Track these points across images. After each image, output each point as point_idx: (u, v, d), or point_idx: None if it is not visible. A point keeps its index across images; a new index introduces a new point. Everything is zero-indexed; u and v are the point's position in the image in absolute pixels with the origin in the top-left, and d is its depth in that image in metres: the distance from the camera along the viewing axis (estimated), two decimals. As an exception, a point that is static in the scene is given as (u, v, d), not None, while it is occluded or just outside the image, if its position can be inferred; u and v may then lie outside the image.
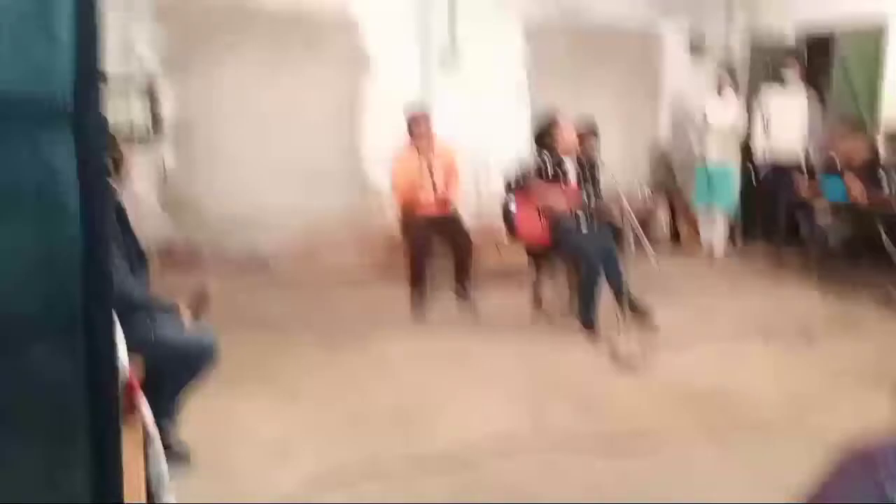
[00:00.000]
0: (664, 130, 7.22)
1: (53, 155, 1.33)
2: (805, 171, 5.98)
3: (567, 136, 4.46)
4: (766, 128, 6.24)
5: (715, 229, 6.47)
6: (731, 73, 6.31)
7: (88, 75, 1.37)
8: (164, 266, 5.27)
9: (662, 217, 6.95)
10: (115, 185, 2.63)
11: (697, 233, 6.70)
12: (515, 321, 4.67)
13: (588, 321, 4.30)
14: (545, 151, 4.52)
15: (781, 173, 6.08)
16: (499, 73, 6.34)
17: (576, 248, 4.30)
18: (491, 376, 3.75)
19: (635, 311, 4.33)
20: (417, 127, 4.93)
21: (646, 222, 6.88)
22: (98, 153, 1.40)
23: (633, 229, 4.12)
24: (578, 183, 4.44)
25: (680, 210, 6.96)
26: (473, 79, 6.19)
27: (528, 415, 3.28)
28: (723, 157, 6.30)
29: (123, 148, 2.71)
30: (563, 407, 3.38)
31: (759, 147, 6.29)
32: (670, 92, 7.13)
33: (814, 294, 5.22)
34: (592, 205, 4.41)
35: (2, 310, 1.31)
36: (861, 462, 0.87)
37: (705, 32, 7.03)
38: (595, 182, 4.49)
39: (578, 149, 4.65)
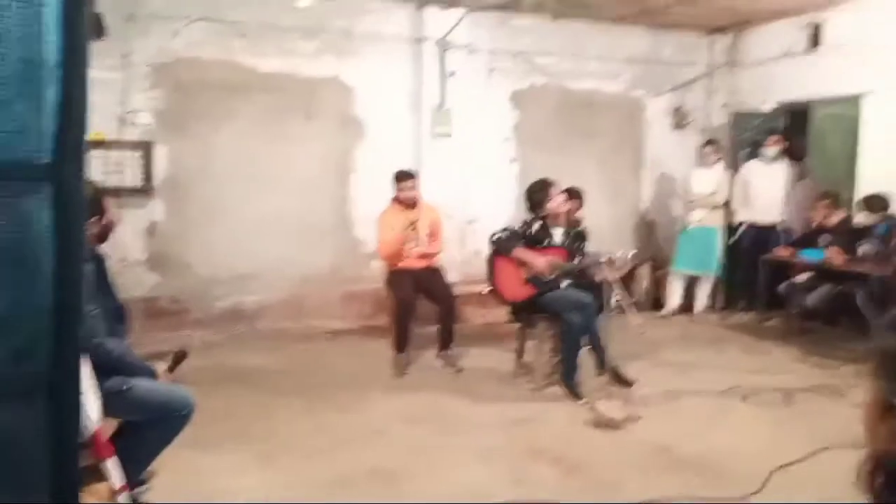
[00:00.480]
0: (647, 198, 7.36)
1: (31, 214, 1.37)
2: (783, 235, 6.12)
3: (556, 203, 4.54)
4: (746, 197, 6.41)
5: (698, 292, 6.55)
6: (717, 144, 6.51)
7: (71, 136, 1.43)
8: (149, 320, 5.28)
9: (644, 281, 7.01)
10: (96, 242, 2.67)
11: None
12: (498, 380, 4.68)
13: (569, 381, 4.31)
14: (533, 215, 4.60)
15: (761, 237, 6.23)
16: (487, 138, 6.51)
17: (556, 307, 4.34)
18: (471, 436, 3.72)
19: (614, 371, 4.35)
20: (403, 183, 5.06)
21: (627, 286, 7.00)
22: (76, 214, 1.45)
23: (614, 291, 4.15)
24: (563, 246, 4.51)
25: (662, 276, 7.04)
26: (462, 142, 6.35)
27: (509, 474, 3.25)
28: (706, 223, 6.42)
29: (108, 205, 2.75)
30: (544, 467, 3.36)
31: (740, 213, 6.45)
32: (653, 161, 7.31)
33: (793, 355, 5.30)
34: (575, 267, 4.46)
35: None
36: None
37: (688, 107, 7.26)
38: (579, 247, 4.57)
39: (564, 214, 4.74)
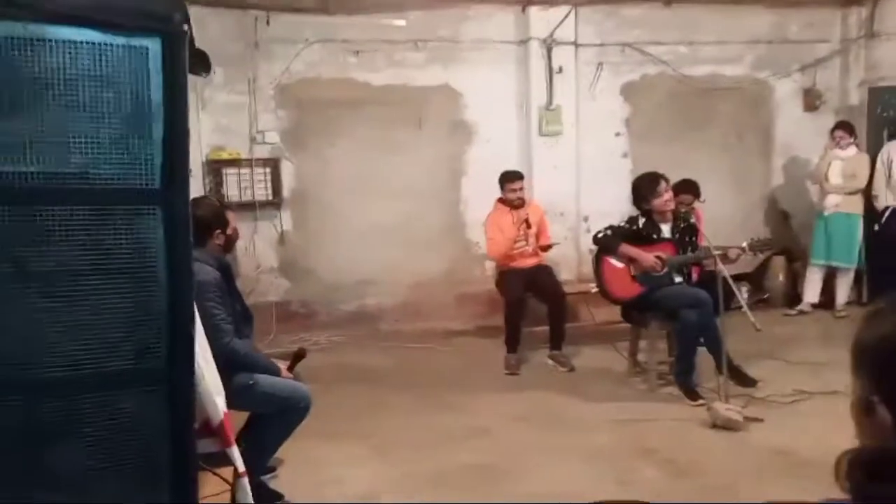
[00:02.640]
0: (779, 186, 6.92)
1: (145, 234, 1.61)
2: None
3: (663, 200, 4.38)
4: (890, 181, 5.86)
5: (838, 285, 6.05)
6: (850, 126, 5.98)
7: (176, 165, 1.65)
8: (279, 323, 5.73)
9: (779, 275, 6.60)
10: (222, 252, 2.97)
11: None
12: (611, 380, 4.63)
13: (685, 380, 4.17)
14: (641, 212, 4.50)
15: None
16: (598, 134, 6.42)
17: (669, 305, 4.21)
18: (578, 436, 3.72)
19: (734, 370, 4.15)
20: (511, 184, 5.11)
21: (760, 280, 6.62)
22: (184, 231, 1.67)
23: (729, 286, 3.97)
24: (672, 241, 4.37)
25: (799, 268, 6.58)
26: (573, 139, 6.31)
27: (613, 475, 3.24)
28: (843, 209, 5.93)
29: (232, 218, 3.04)
30: (651, 468, 3.31)
31: (884, 198, 5.90)
32: (784, 146, 6.86)
33: None
34: (685, 260, 4.31)
35: (101, 365, 1.57)
36: None
37: (820, 86, 6.76)
38: (690, 240, 4.39)
39: (675, 209, 4.57)
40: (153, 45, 1.57)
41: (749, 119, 6.82)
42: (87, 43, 1.51)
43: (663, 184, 4.38)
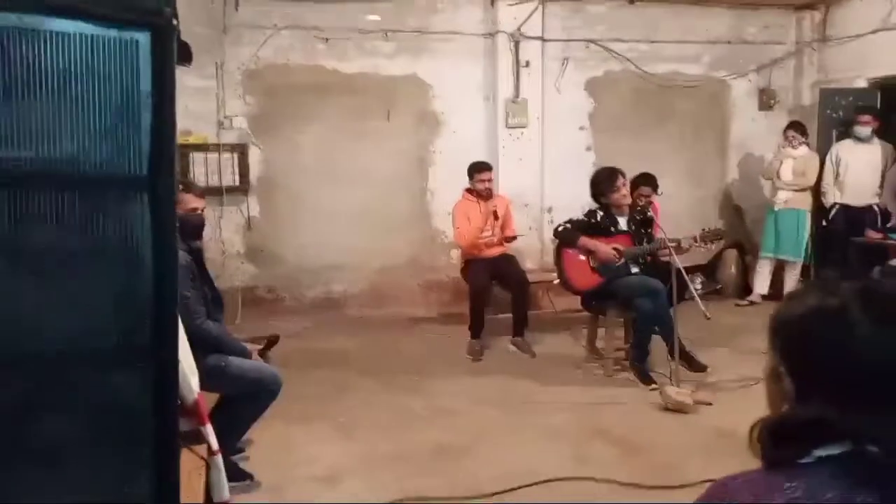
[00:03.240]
0: (733, 182, 7.20)
1: (132, 217, 1.68)
2: (879, 216, 5.86)
3: (620, 194, 4.58)
4: (837, 179, 6.17)
5: (787, 277, 6.35)
6: (801, 127, 6.26)
7: (163, 152, 1.73)
8: (248, 308, 5.78)
9: (731, 267, 6.88)
10: (193, 239, 3.02)
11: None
12: (570, 365, 4.81)
13: (639, 365, 4.38)
14: (599, 204, 4.68)
15: (855, 220, 5.99)
16: (562, 127, 6.58)
17: (626, 294, 4.41)
18: (538, 417, 3.89)
19: (686, 356, 4.37)
20: (480, 175, 5.24)
21: (713, 271, 6.90)
22: (169, 215, 1.75)
23: (682, 277, 4.18)
24: (630, 235, 4.56)
25: (752, 261, 6.88)
26: (538, 132, 6.46)
27: (571, 453, 3.41)
28: (792, 205, 6.22)
29: (194, 199, 3.06)
30: (607, 448, 3.49)
31: (832, 195, 6.21)
32: (739, 144, 7.14)
33: None
34: (640, 251, 4.51)
35: (88, 342, 1.65)
36: (714, 494, 0.99)
37: (775, 87, 7.04)
38: (646, 232, 4.60)
39: (633, 202, 4.77)
40: (143, 38, 1.63)
41: (707, 116, 7.07)
42: (80, 35, 1.57)
43: (620, 179, 4.58)
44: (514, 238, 5.46)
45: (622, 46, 6.68)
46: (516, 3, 6.17)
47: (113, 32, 1.61)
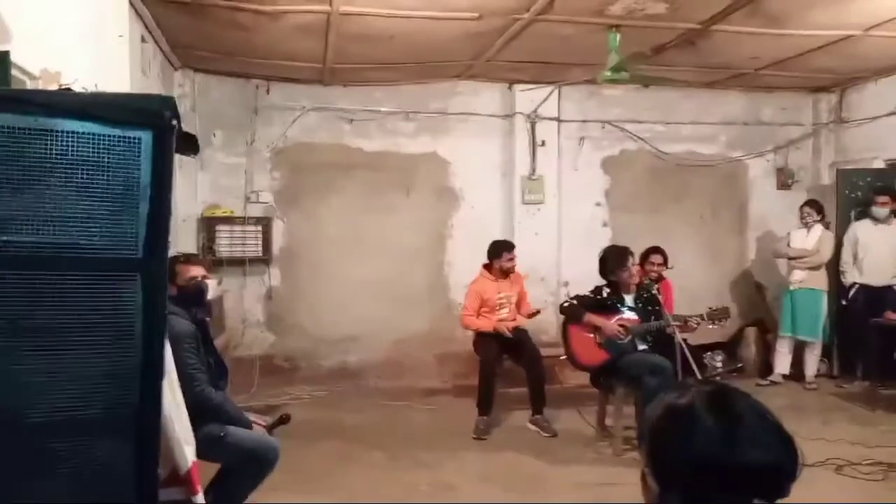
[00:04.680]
0: (753, 259, 7.19)
1: (126, 296, 1.84)
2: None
3: (629, 274, 4.63)
4: (856, 259, 6.14)
5: (806, 357, 6.24)
6: (818, 205, 6.29)
7: (158, 238, 1.90)
8: (262, 376, 5.89)
9: (752, 346, 6.79)
10: (197, 307, 3.15)
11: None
12: (579, 442, 4.77)
13: (647, 448, 4.32)
14: (607, 281, 4.74)
15: (874, 300, 5.91)
16: (579, 204, 6.72)
17: (633, 372, 4.40)
18: (542, 497, 3.86)
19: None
20: (508, 254, 5.28)
21: (734, 350, 6.81)
22: (160, 296, 1.90)
23: (686, 355, 4.17)
24: (635, 310, 4.59)
25: (773, 339, 6.78)
26: (554, 208, 6.60)
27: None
28: (808, 284, 6.16)
29: (193, 269, 3.18)
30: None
31: (850, 275, 6.16)
32: (758, 222, 7.17)
33: None
34: (647, 328, 4.52)
35: (77, 412, 1.78)
36: None
37: (792, 166, 7.12)
38: (653, 310, 4.61)
39: (640, 280, 4.80)
40: (145, 136, 1.84)
41: (724, 194, 7.14)
42: (88, 133, 1.78)
43: (630, 259, 4.65)
44: (538, 312, 5.45)
45: (637, 127, 6.86)
46: (533, 88, 6.43)
47: (117, 131, 1.81)
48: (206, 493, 2.62)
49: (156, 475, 1.90)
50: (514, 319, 5.36)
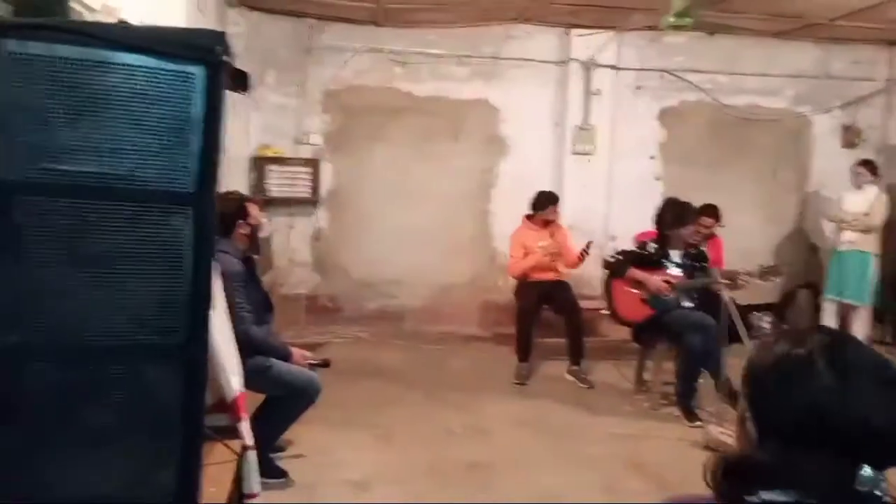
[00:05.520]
0: (810, 220, 6.94)
1: (178, 228, 1.89)
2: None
3: (689, 232, 4.51)
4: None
5: (854, 322, 6.05)
6: (871, 165, 5.98)
7: (209, 174, 1.93)
8: (308, 314, 6.05)
9: (803, 307, 6.62)
10: (248, 243, 3.24)
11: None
12: (616, 395, 4.79)
13: (685, 402, 4.31)
14: (658, 235, 4.64)
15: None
16: (631, 156, 6.55)
17: (676, 328, 4.35)
18: (575, 445, 3.91)
19: (733, 396, 4.26)
20: (554, 206, 5.27)
21: (784, 312, 6.65)
22: (209, 229, 1.95)
23: (731, 314, 4.10)
24: (681, 266, 4.50)
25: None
26: (605, 160, 6.46)
27: (600, 484, 3.42)
28: (858, 247, 5.92)
29: (254, 210, 3.28)
30: (637, 481, 3.47)
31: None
32: (820, 182, 6.88)
33: None
34: (691, 284, 4.44)
35: (131, 338, 1.86)
36: None
37: (861, 125, 6.76)
38: (700, 267, 4.52)
39: (692, 235, 4.68)
40: (198, 72, 1.85)
41: (786, 151, 6.86)
42: (143, 67, 1.80)
43: (692, 216, 4.52)
44: (586, 252, 5.26)
45: (699, 77, 6.60)
46: (591, 34, 6.22)
47: (171, 66, 1.82)
48: (250, 421, 2.73)
49: (202, 401, 1.98)
50: (555, 269, 5.32)
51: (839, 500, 0.92)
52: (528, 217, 5.37)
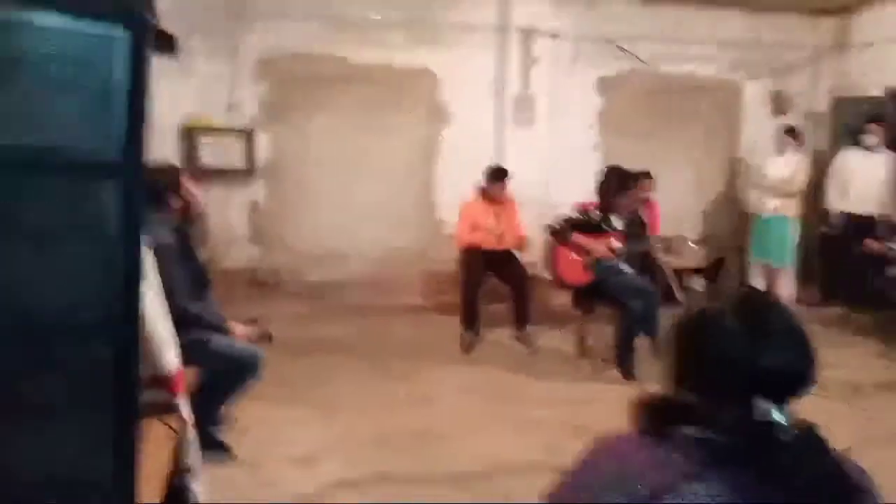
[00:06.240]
0: (741, 187, 7.19)
1: (105, 200, 1.80)
2: (885, 228, 5.83)
3: (631, 200, 4.61)
4: (842, 188, 6.14)
5: (779, 284, 6.33)
6: (794, 131, 6.24)
7: (135, 141, 1.84)
8: (249, 289, 5.92)
9: (731, 271, 6.89)
10: (183, 216, 3.14)
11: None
12: (560, 360, 4.89)
13: (625, 366, 4.44)
14: (599, 202, 4.72)
15: (854, 229, 5.96)
16: (570, 125, 6.61)
17: (617, 294, 4.46)
18: (520, 409, 3.98)
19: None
20: (501, 182, 5.26)
21: (714, 275, 6.90)
22: (138, 198, 1.86)
23: (669, 279, 4.23)
24: (623, 234, 4.60)
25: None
26: (545, 129, 6.50)
27: (544, 446, 3.49)
28: (780, 211, 6.18)
29: (187, 183, 3.17)
30: (581, 442, 3.55)
31: (833, 205, 6.19)
32: (750, 149, 7.11)
33: (876, 350, 5.18)
34: (630, 249, 4.55)
35: (61, 317, 1.77)
36: (611, 454, 1.12)
37: (790, 92, 7.00)
38: (640, 233, 4.64)
39: (634, 202, 4.79)
40: (120, 34, 1.75)
41: (717, 119, 7.05)
42: (60, 28, 1.68)
43: (635, 184, 4.62)
44: (523, 240, 5.35)
45: (636, 46, 6.67)
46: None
47: (92, 27, 1.72)
48: (191, 396, 2.67)
49: (137, 377, 1.91)
50: (501, 241, 5.34)
51: (741, 431, 1.03)
52: (483, 193, 5.33)
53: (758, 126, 7.06)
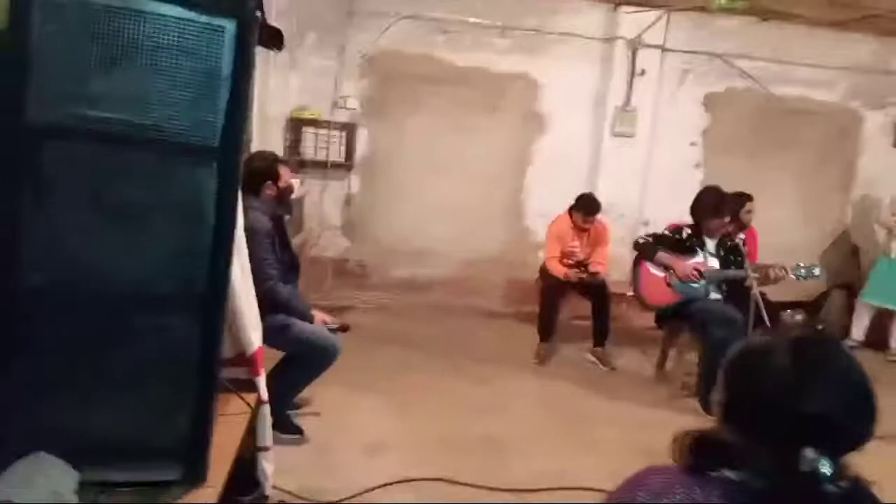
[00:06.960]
0: (854, 219, 6.73)
1: (202, 182, 1.91)
2: None
3: (719, 224, 4.39)
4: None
5: (893, 327, 5.87)
6: None
7: (234, 128, 1.94)
8: (337, 278, 6.11)
9: (837, 307, 6.46)
10: (276, 203, 3.27)
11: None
12: (637, 382, 4.75)
13: (704, 397, 4.24)
14: (693, 222, 4.55)
15: None
16: (672, 140, 6.41)
17: (701, 318, 4.28)
18: (589, 428, 3.89)
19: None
20: (586, 214, 5.08)
21: (816, 311, 6.50)
22: (233, 183, 1.96)
23: (760, 310, 4.00)
24: (716, 258, 4.41)
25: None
26: (645, 143, 6.33)
27: (607, 468, 3.40)
28: None
29: (284, 172, 3.30)
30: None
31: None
32: (866, 181, 6.65)
33: None
34: (721, 275, 4.35)
35: (151, 287, 1.89)
36: (650, 489, 1.08)
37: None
38: (734, 259, 4.41)
39: (727, 226, 4.58)
40: (229, 26, 1.84)
41: (833, 148, 6.64)
42: (174, 17, 1.80)
43: (726, 211, 4.40)
44: (597, 274, 5.09)
45: (749, 64, 6.40)
46: (639, 11, 6.06)
47: (202, 18, 1.82)
48: (268, 378, 2.78)
49: (219, 352, 2.01)
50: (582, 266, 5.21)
51: (783, 480, 0.99)
52: (571, 214, 5.20)
53: (877, 159, 6.61)
